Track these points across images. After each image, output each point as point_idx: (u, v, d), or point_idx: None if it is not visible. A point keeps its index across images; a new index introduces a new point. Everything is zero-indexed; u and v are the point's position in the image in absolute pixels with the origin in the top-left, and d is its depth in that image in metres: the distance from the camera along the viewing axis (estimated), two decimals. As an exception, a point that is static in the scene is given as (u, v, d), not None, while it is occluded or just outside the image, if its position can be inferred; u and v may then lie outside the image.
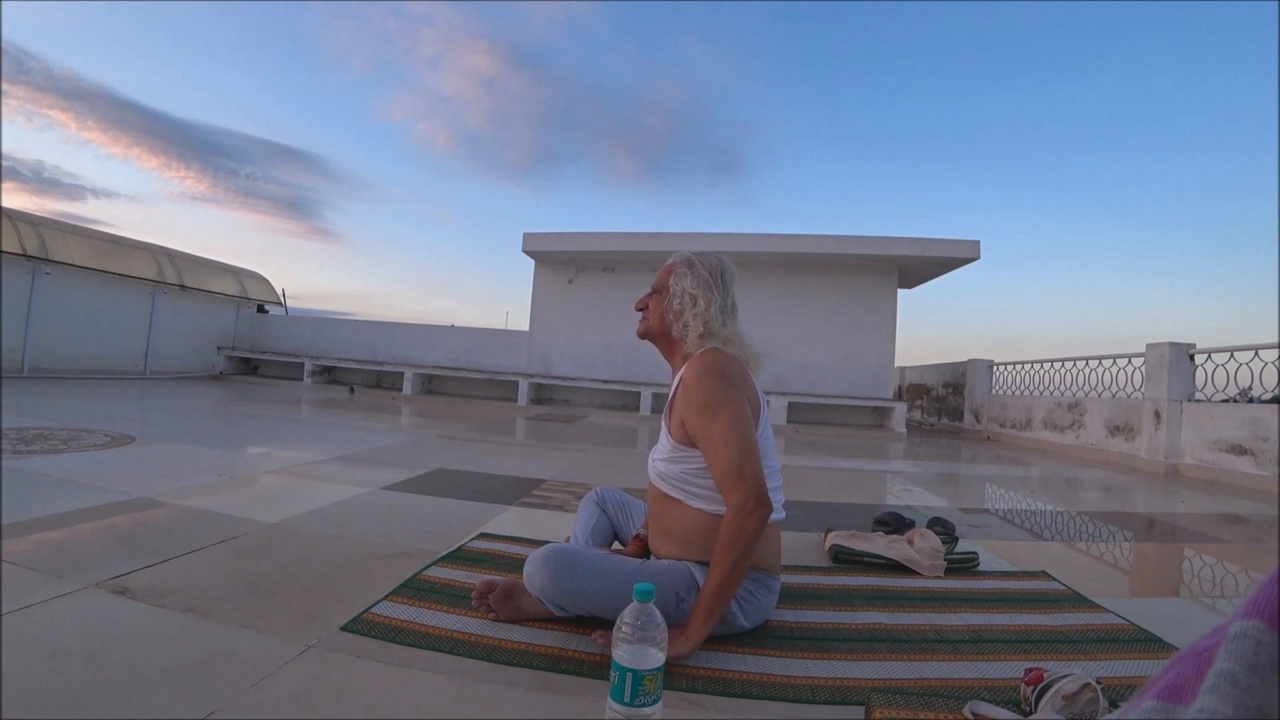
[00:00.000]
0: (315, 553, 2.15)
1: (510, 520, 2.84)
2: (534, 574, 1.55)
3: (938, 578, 2.30)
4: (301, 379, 11.91)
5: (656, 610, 1.21)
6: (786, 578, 2.03)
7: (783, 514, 1.70)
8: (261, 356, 12.66)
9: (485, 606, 1.66)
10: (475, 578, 1.92)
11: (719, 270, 1.76)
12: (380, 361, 12.19)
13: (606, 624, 1.48)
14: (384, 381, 12.39)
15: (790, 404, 10.16)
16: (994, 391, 11.10)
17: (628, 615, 1.20)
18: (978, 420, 11.08)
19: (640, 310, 1.84)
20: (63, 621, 1.49)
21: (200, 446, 4.30)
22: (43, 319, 9.14)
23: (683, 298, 1.71)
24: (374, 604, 1.72)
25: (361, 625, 1.58)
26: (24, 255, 8.82)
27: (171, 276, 11.36)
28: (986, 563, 2.57)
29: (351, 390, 11.44)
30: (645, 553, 1.93)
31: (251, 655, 1.39)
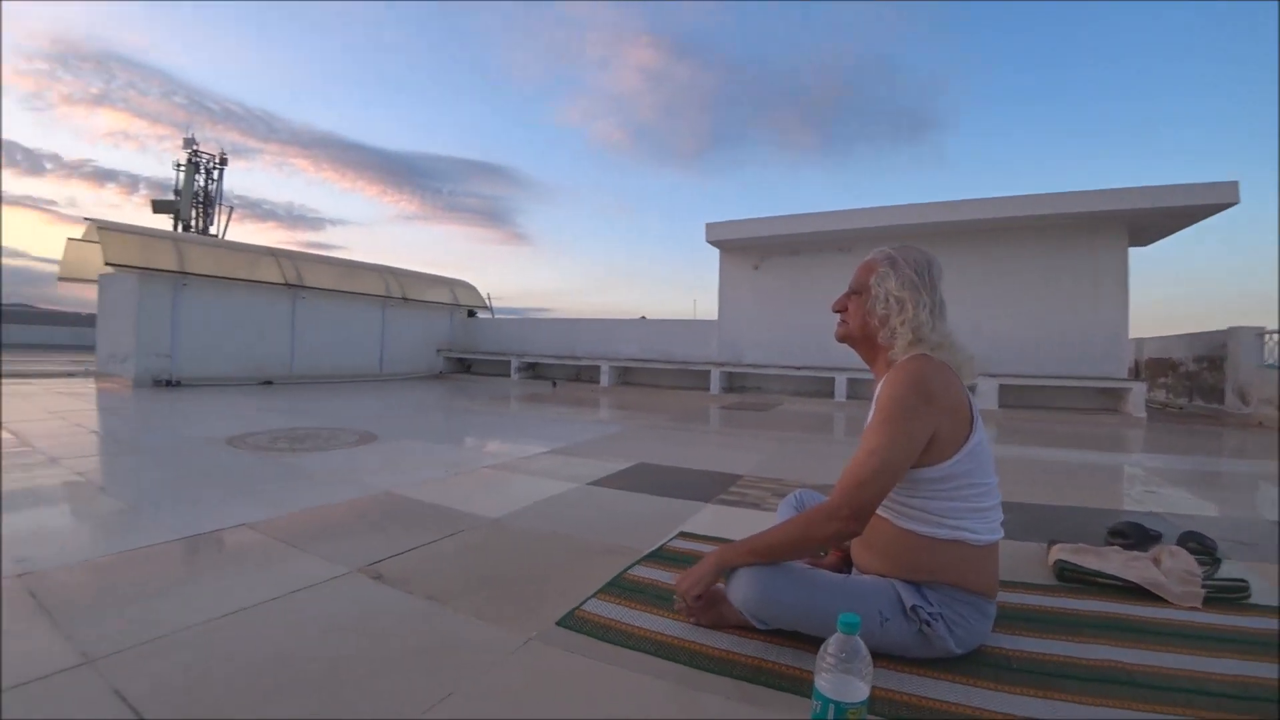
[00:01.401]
0: (531, 547, 2.51)
1: (709, 518, 3.02)
2: (735, 586, 1.66)
3: (1193, 609, 1.99)
4: (509, 375, 13.97)
5: (862, 643, 1.23)
6: (1003, 595, 1.92)
7: (1000, 534, 1.63)
8: (474, 356, 14.98)
9: (687, 610, 1.79)
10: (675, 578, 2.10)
11: (925, 266, 1.70)
12: (578, 356, 13.75)
13: (808, 640, 1.57)
14: (582, 375, 13.80)
15: (1001, 387, 9.61)
16: (1266, 365, 9.38)
17: (832, 645, 1.23)
18: (1244, 402, 9.41)
19: (838, 312, 1.85)
20: (335, 601, 1.93)
21: (429, 442, 5.18)
22: (301, 334, 11.72)
23: (887, 301, 1.69)
24: (584, 600, 1.96)
25: (574, 621, 1.81)
26: (286, 284, 11.43)
27: (396, 291, 13.85)
28: (1261, 594, 2.14)
29: (554, 384, 12.84)
30: (845, 562, 1.96)
31: (482, 643, 1.68)
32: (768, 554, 1.62)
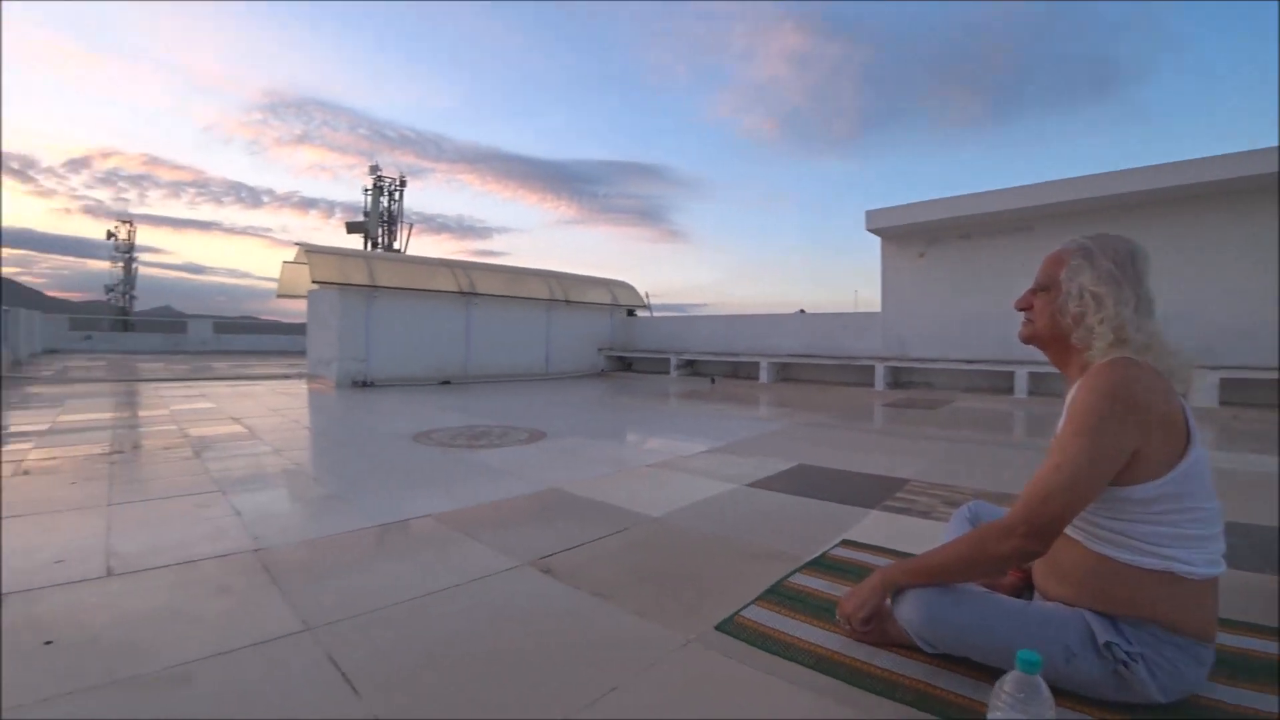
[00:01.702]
0: (692, 547, 2.56)
1: (873, 526, 2.90)
2: (902, 607, 1.59)
3: None
4: (668, 372, 14.29)
5: (1043, 683, 1.13)
6: (1222, 637, 1.59)
7: (1220, 567, 1.40)
8: (634, 354, 15.50)
9: (851, 632, 1.73)
10: (838, 589, 2.06)
11: (1127, 257, 1.51)
12: (736, 352, 13.73)
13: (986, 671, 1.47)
14: (741, 371, 13.74)
15: (1222, 381, 8.21)
16: None
17: (1009, 683, 1.14)
18: None
19: (1023, 310, 1.70)
20: (509, 591, 2.10)
21: (593, 440, 5.43)
22: (475, 337, 12.79)
23: (1082, 297, 1.52)
24: (744, 606, 1.97)
25: (733, 627, 1.83)
26: (461, 292, 12.53)
27: (559, 294, 14.66)
28: None
29: (712, 381, 12.90)
30: (1025, 585, 1.80)
31: (643, 641, 1.74)
32: (937, 574, 1.54)
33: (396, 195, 35.18)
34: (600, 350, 15.68)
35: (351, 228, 34.30)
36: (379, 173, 34.72)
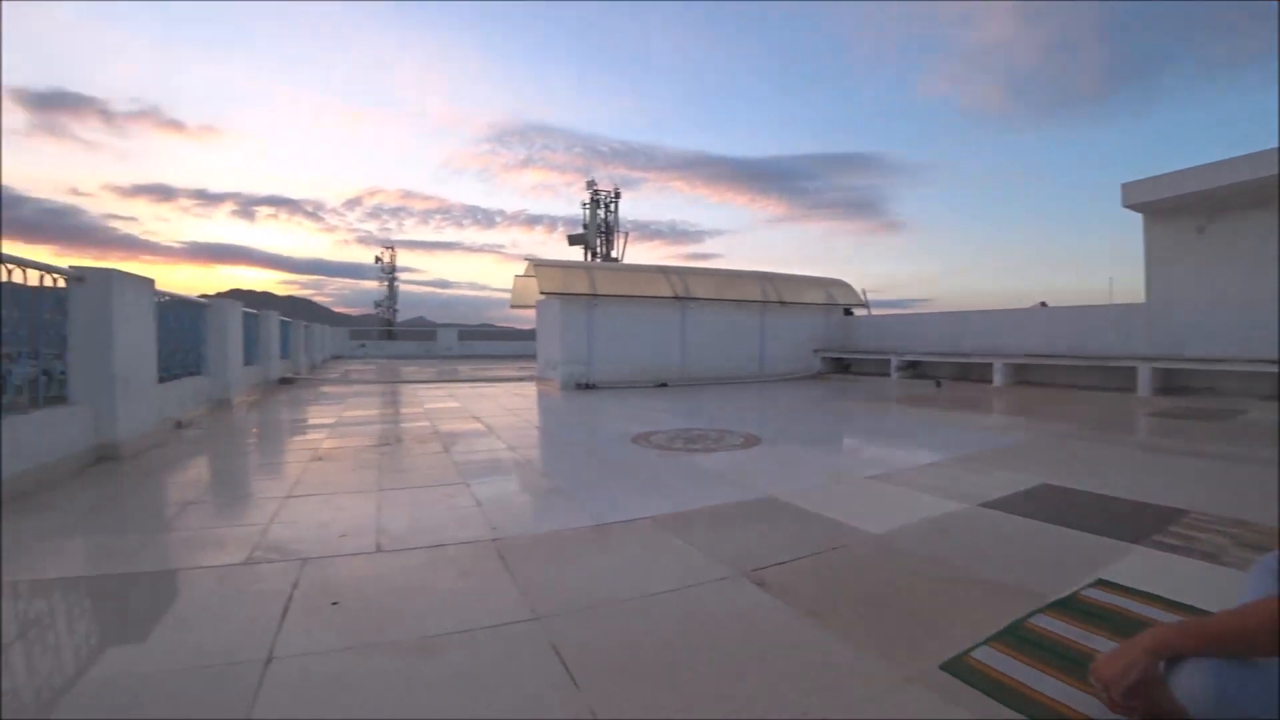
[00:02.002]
0: (916, 572, 2.40)
1: (1138, 566, 2.45)
2: (1183, 679, 1.27)
3: None
4: (888, 374, 13.48)
5: None
6: None
7: None
8: (851, 355, 14.88)
9: (1109, 704, 1.39)
10: (1091, 639, 1.81)
11: None
12: (966, 352, 12.51)
13: None
14: (971, 373, 12.45)
15: None
16: None
17: None
18: None
19: None
20: (722, 600, 2.13)
21: (809, 447, 5.31)
22: (690, 341, 13.15)
23: None
24: (974, 646, 1.80)
25: (961, 669, 1.68)
26: (675, 297, 12.98)
27: (773, 295, 14.56)
28: None
29: (938, 384, 11.89)
30: None
31: (858, 672, 1.67)
32: (1234, 642, 1.22)
33: (612, 207, 37.26)
34: (816, 351, 15.25)
35: (573, 240, 36.97)
36: (595, 187, 37.03)
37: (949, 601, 2.12)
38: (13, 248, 3.90)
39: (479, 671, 1.70)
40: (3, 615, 2.08)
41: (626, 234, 37.67)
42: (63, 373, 4.47)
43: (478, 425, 6.62)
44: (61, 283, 4.44)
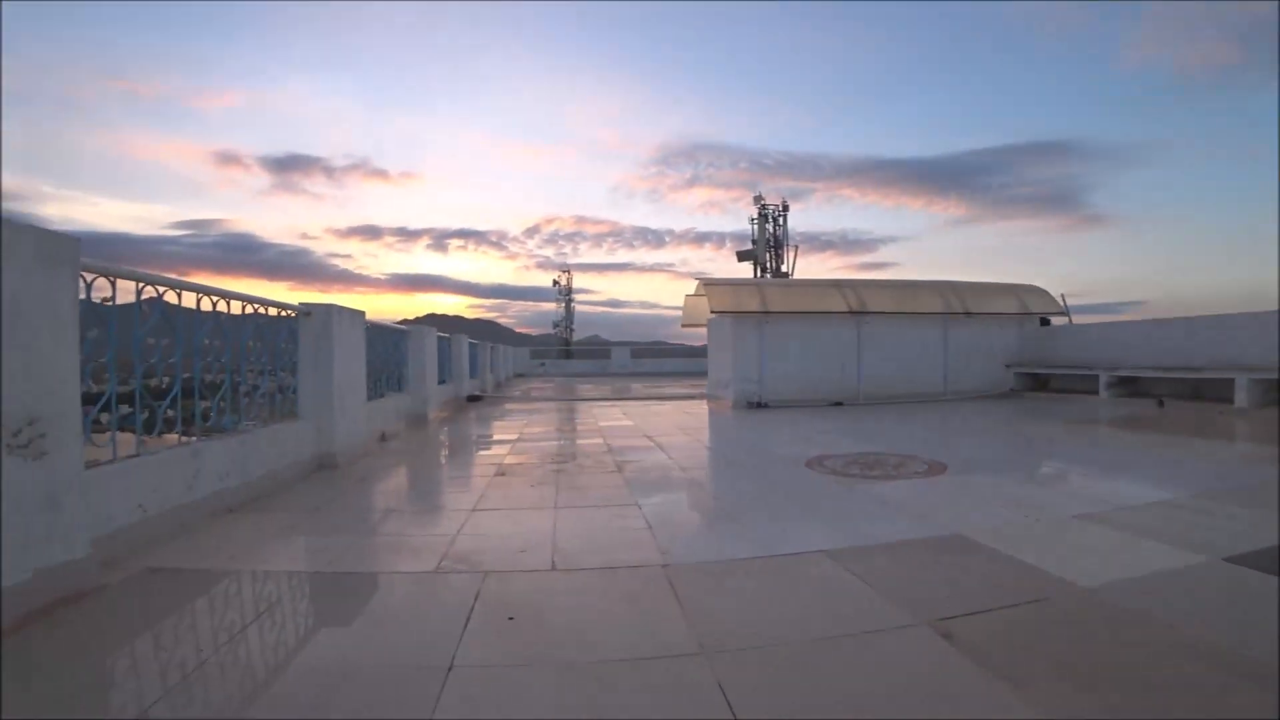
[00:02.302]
0: (1141, 642, 2.03)
1: None
2: None
3: None
4: (1096, 392, 11.61)
5: None
6: None
7: None
8: (1050, 371, 13.20)
9: None
10: None
11: None
12: (1196, 365, 10.38)
13: None
14: (1204, 390, 10.33)
15: None
16: None
17: None
18: None
19: None
20: (903, 653, 1.94)
21: (1003, 477, 4.76)
22: (866, 357, 12.53)
23: None
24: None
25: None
26: (850, 312, 12.47)
27: (956, 306, 13.46)
28: None
29: (1160, 403, 10.16)
30: None
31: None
32: None
33: (780, 220, 36.73)
34: (1008, 367, 13.81)
35: (741, 256, 36.87)
36: (762, 201, 36.73)
37: (1187, 682, 1.76)
38: (258, 286, 4.65)
39: (645, 705, 1.68)
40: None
41: (796, 247, 36.95)
42: (294, 390, 5.17)
43: (649, 444, 6.72)
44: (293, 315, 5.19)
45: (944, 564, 2.81)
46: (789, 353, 11.93)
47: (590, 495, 4.33)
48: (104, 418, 3.03)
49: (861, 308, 12.54)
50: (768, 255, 36.16)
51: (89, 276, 2.87)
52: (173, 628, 2.31)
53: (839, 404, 11.67)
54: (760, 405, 11.32)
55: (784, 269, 35.95)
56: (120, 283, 3.14)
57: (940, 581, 2.58)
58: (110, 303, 3.07)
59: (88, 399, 2.76)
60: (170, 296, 3.62)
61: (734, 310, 11.82)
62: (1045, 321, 14.81)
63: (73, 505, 2.49)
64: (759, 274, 35.01)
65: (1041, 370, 13.49)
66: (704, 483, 4.93)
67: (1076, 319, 14.73)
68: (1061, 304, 14.97)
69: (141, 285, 3.35)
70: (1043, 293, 14.93)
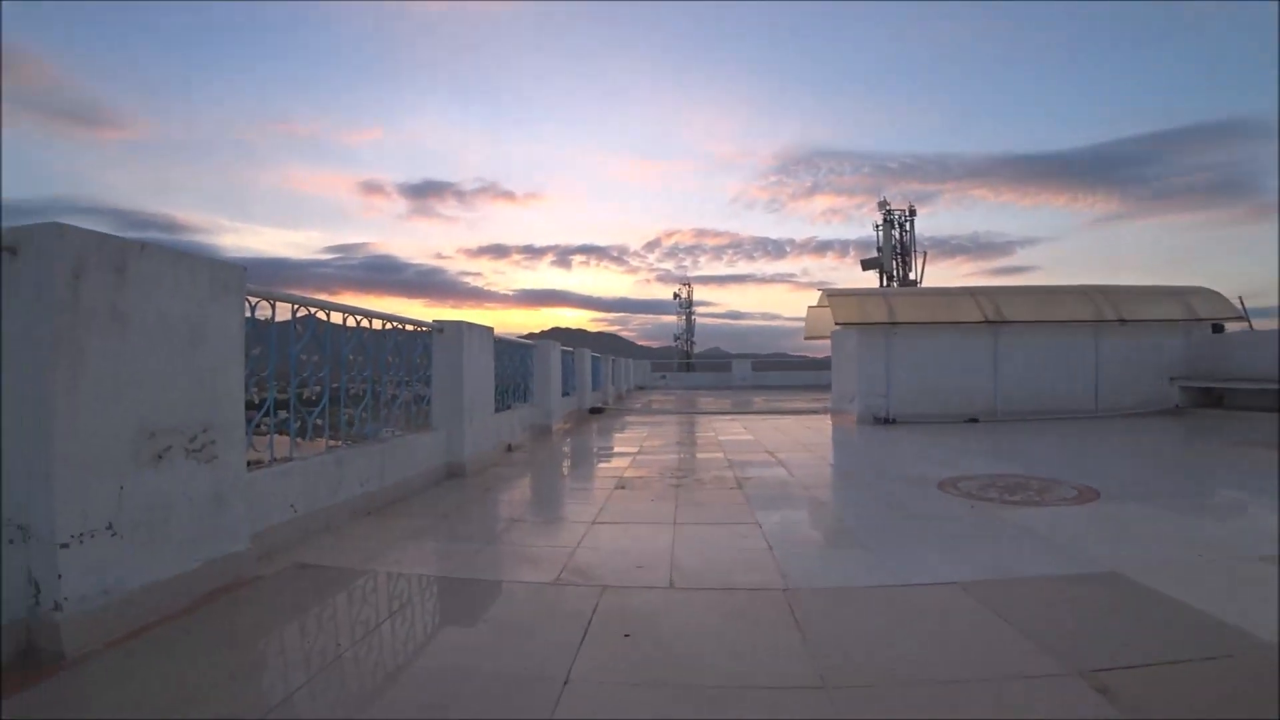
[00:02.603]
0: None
1: None
2: None
3: None
4: None
5: None
6: None
7: None
8: (1224, 385, 11.58)
9: None
10: None
11: None
12: None
13: None
14: None
15: None
16: None
17: None
18: None
19: None
20: (1052, 706, 1.74)
21: (1168, 507, 4.27)
22: (1004, 370, 11.62)
23: None
24: None
25: None
26: (985, 321, 11.65)
27: (1109, 313, 12.16)
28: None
29: None
30: None
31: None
32: None
33: (907, 225, 35.09)
34: (1172, 380, 12.27)
35: (866, 264, 35.53)
36: (887, 206, 35.21)
37: None
38: (396, 303, 5.04)
39: (760, 738, 1.61)
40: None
41: (925, 253, 35.15)
42: (427, 402, 5.50)
43: (771, 460, 6.58)
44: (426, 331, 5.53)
45: (1097, 605, 2.52)
46: (919, 365, 11.31)
47: (710, 512, 4.28)
48: (263, 424, 3.36)
49: (998, 316, 11.66)
50: (894, 262, 34.64)
51: (253, 300, 3.18)
52: (316, 619, 2.51)
53: (974, 420, 10.92)
54: (888, 421, 10.81)
55: (912, 276, 34.29)
56: (279, 305, 3.48)
57: (1093, 625, 2.32)
58: (270, 322, 3.40)
59: (249, 407, 3.06)
60: (320, 315, 3.96)
61: (859, 321, 11.36)
62: (1218, 328, 12.97)
63: (236, 504, 2.77)
64: (885, 282, 33.59)
65: (1214, 384, 11.82)
66: (827, 502, 4.75)
67: (1257, 324, 12.80)
68: (1238, 307, 13.13)
69: (296, 307, 3.69)
70: (1213, 295, 13.20)
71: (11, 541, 2.01)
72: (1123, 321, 12.22)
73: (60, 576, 2.01)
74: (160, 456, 2.38)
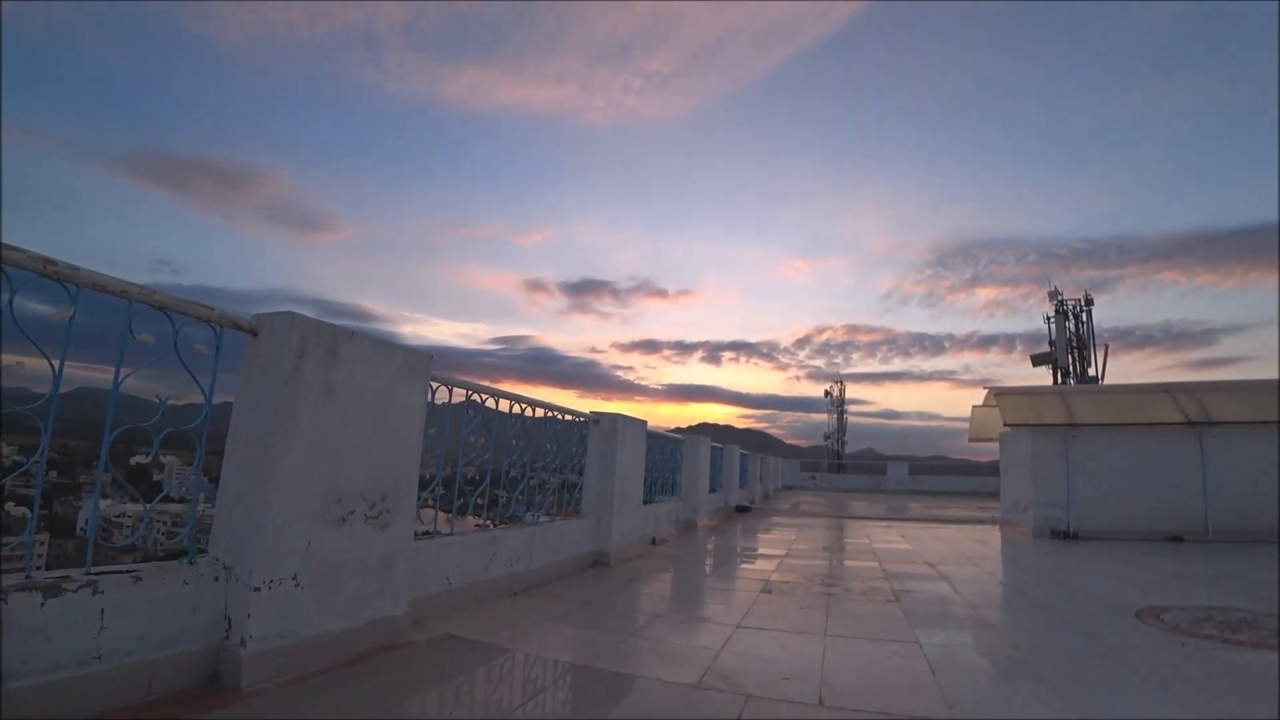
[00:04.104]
0: None
1: None
2: None
3: None
4: None
5: None
6: None
7: None
8: None
9: None
10: None
11: None
12: None
13: None
14: None
15: None
16: None
17: None
18: None
19: None
20: None
21: None
22: (1215, 480, 9.89)
23: None
24: None
25: None
26: (1188, 422, 10.15)
27: None
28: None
29: None
30: None
31: None
32: None
33: (1083, 316, 32.05)
34: None
35: (1037, 359, 32.64)
36: (1059, 296, 32.41)
37: None
38: (553, 393, 5.31)
39: None
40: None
41: (1106, 346, 31.74)
42: (579, 490, 5.62)
43: (931, 572, 6.00)
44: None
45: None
46: (1105, 473, 9.99)
47: (863, 625, 3.94)
48: (428, 499, 3.59)
49: (1203, 417, 10.08)
50: (1069, 357, 31.57)
51: (434, 384, 3.49)
52: (461, 691, 2.58)
53: (1177, 539, 9.37)
54: (1068, 535, 9.57)
55: (1091, 372, 31.01)
56: (455, 391, 3.78)
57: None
58: (447, 405, 3.70)
59: (421, 483, 3.30)
60: (489, 403, 4.23)
61: (1033, 422, 10.34)
62: None
63: (401, 570, 2.95)
64: (1060, 379, 30.57)
65: None
66: (998, 625, 4.21)
67: None
68: None
69: (470, 393, 3.99)
70: None
71: (216, 579, 2.28)
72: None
73: (249, 616, 2.23)
74: (344, 519, 2.61)
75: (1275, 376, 11.91)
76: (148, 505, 2.32)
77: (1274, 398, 10.60)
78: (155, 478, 2.73)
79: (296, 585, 2.41)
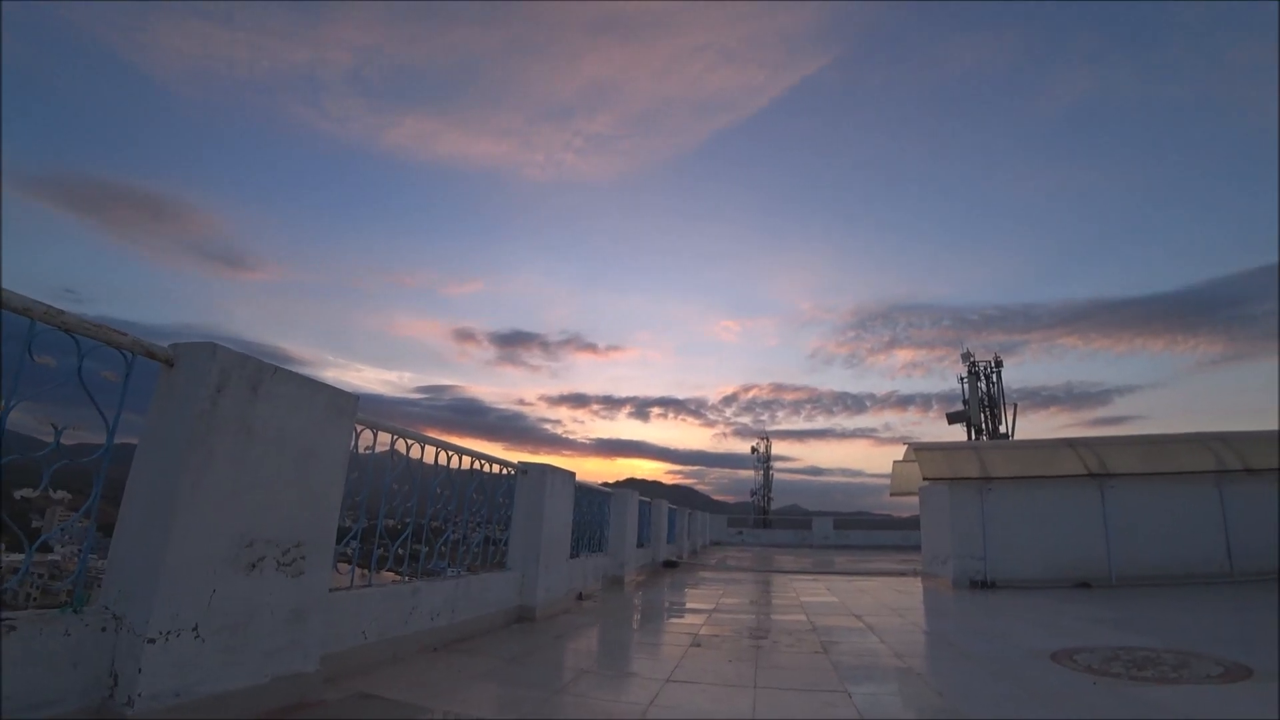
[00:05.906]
0: None
1: None
2: None
3: None
4: None
5: None
6: None
7: None
8: None
9: None
10: None
11: None
12: None
13: None
14: None
15: None
16: None
17: None
18: None
19: None
20: None
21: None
22: (1115, 528, 10.51)
23: None
24: None
25: None
26: (1089, 474, 10.80)
27: (1233, 462, 10.96)
28: None
29: None
30: None
31: None
32: None
33: (994, 377, 34.08)
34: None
35: (952, 418, 34.31)
36: (972, 358, 34.49)
37: None
38: (478, 444, 5.13)
39: None
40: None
41: (1015, 405, 33.73)
42: (504, 543, 5.47)
43: (858, 624, 6.08)
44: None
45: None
46: (1018, 524, 10.47)
47: (792, 676, 3.94)
48: (348, 549, 3.41)
49: (1102, 469, 10.79)
50: (982, 416, 33.33)
51: (359, 428, 3.36)
52: (379, 760, 2.37)
53: (1085, 585, 9.86)
54: (986, 584, 9.91)
55: (1002, 430, 32.78)
56: (380, 436, 3.64)
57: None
58: (371, 450, 3.56)
59: (340, 532, 3.14)
60: (414, 450, 4.10)
61: (950, 476, 10.79)
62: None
63: (313, 623, 2.76)
64: (973, 436, 32.18)
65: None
66: (924, 674, 4.28)
67: None
68: None
69: (395, 437, 3.85)
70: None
71: (104, 629, 2.07)
72: (1250, 471, 11.01)
73: (140, 671, 2.03)
74: (255, 565, 2.45)
75: (1166, 431, 12.87)
76: (26, 553, 2.10)
77: (1161, 448, 11.48)
78: (34, 524, 2.51)
79: (197, 637, 2.21)
